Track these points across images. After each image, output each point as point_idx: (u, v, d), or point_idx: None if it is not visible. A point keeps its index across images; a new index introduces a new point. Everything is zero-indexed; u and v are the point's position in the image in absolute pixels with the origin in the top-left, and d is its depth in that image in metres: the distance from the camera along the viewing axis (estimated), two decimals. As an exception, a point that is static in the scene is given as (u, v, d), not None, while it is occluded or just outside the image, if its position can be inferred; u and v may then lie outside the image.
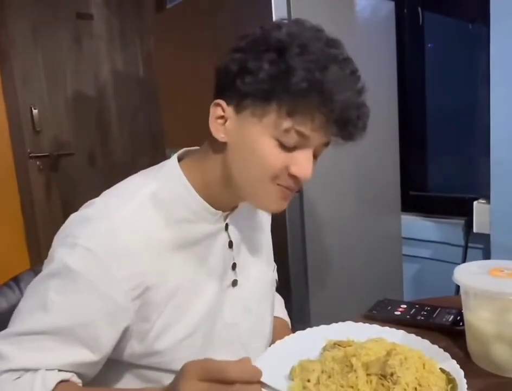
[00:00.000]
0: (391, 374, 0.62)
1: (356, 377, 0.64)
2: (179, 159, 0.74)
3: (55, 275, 0.64)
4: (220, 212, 0.74)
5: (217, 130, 0.68)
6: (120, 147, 2.53)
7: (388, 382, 0.62)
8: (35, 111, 2.28)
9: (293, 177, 0.67)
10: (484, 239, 1.64)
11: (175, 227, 0.70)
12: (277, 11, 1.34)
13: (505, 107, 1.48)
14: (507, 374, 0.71)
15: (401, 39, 1.86)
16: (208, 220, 0.73)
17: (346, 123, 0.64)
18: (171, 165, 0.73)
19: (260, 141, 0.65)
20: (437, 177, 2.02)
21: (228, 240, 0.77)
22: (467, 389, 0.61)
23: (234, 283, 0.78)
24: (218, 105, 0.68)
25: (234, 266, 0.78)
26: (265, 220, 0.91)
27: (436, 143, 1.99)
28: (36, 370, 0.62)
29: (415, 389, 0.61)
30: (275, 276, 0.97)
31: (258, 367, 0.54)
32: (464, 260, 1.73)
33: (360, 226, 1.66)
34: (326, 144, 0.69)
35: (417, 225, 1.91)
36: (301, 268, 1.46)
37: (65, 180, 2.39)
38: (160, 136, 2.28)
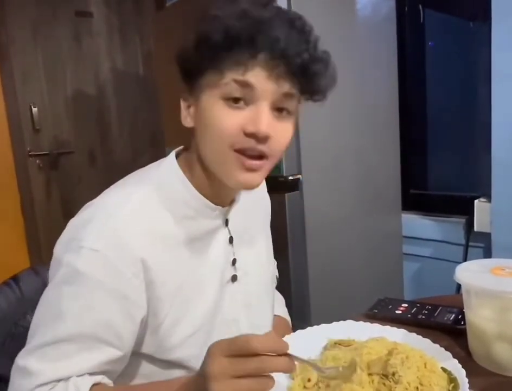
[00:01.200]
0: (393, 374, 0.62)
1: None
2: (177, 156, 0.75)
3: (65, 281, 0.64)
4: (219, 207, 0.74)
5: (185, 119, 0.70)
6: (119, 146, 2.52)
7: (390, 381, 0.62)
8: (35, 110, 2.27)
9: (251, 136, 0.64)
10: (485, 238, 1.64)
11: (176, 223, 0.70)
12: (278, 9, 1.33)
13: (506, 106, 1.48)
14: (508, 374, 0.70)
15: (402, 37, 1.85)
16: (208, 216, 0.74)
17: (286, 63, 0.62)
18: (169, 163, 0.73)
19: (210, 108, 0.65)
20: (438, 176, 2.02)
21: (229, 236, 0.78)
22: (469, 388, 0.61)
23: (234, 278, 0.78)
24: (184, 97, 0.70)
25: (234, 261, 0.78)
26: (264, 217, 0.91)
27: (437, 142, 1.98)
28: (67, 378, 0.62)
29: (417, 388, 0.61)
30: (276, 272, 0.97)
31: (284, 340, 0.53)
32: (465, 259, 1.72)
33: (360, 224, 1.66)
34: (288, 96, 0.65)
35: (417, 224, 1.90)
36: (301, 267, 1.46)
37: (65, 178, 2.39)
38: (160, 134, 2.27)
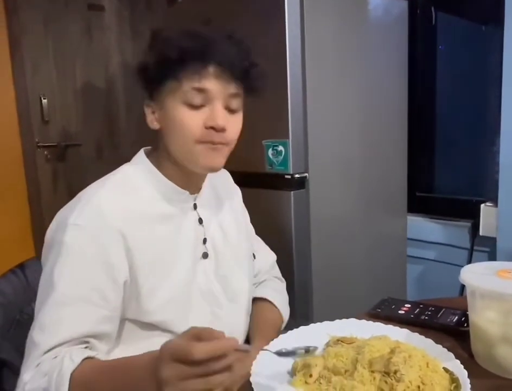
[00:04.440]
0: (395, 372, 0.62)
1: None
2: (147, 155, 0.88)
3: (56, 256, 0.74)
4: (187, 192, 0.86)
5: (152, 123, 0.84)
6: (127, 140, 2.52)
7: (392, 379, 0.62)
8: (44, 101, 2.28)
9: (211, 129, 0.78)
10: (490, 242, 1.63)
11: (148, 203, 0.82)
12: (291, 9, 1.34)
13: (516, 110, 1.47)
14: (511, 376, 0.70)
15: (413, 39, 1.84)
16: (177, 199, 0.85)
17: (233, 71, 0.78)
18: (137, 157, 0.88)
19: (174, 111, 0.79)
20: (444, 179, 2.01)
21: (198, 217, 0.89)
22: (470, 389, 0.61)
23: (204, 255, 0.89)
24: (147, 105, 0.84)
25: (204, 240, 0.89)
26: (234, 204, 1.01)
27: (445, 145, 1.98)
28: (65, 343, 0.70)
29: (418, 387, 0.61)
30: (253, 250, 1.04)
31: (228, 340, 0.54)
32: (469, 263, 1.72)
33: (365, 225, 1.66)
34: (234, 95, 0.80)
35: (422, 226, 1.90)
36: (305, 266, 1.46)
37: (72, 170, 2.39)
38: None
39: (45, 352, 0.69)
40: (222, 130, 0.79)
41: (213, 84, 0.77)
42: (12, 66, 2.24)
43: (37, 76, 2.28)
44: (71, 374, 0.65)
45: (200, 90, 0.77)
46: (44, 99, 2.27)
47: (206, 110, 0.79)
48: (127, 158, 0.91)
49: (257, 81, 0.82)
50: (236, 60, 0.78)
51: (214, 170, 0.84)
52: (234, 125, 0.82)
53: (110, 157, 2.49)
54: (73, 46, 2.37)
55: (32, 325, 0.72)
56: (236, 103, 0.81)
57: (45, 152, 2.32)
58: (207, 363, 0.52)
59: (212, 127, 0.78)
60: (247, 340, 0.92)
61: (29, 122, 2.28)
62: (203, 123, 0.78)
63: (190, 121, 0.78)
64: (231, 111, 0.81)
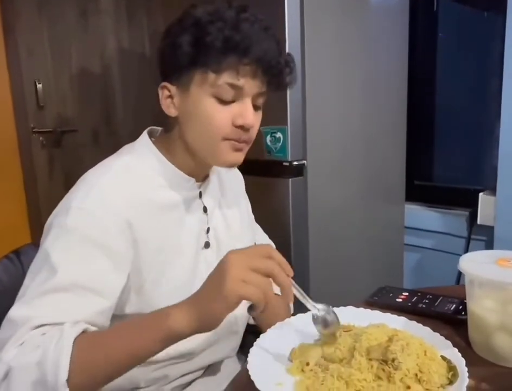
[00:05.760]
0: (393, 360, 0.62)
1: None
2: (151, 135, 0.85)
3: (55, 238, 0.70)
4: (193, 179, 0.83)
5: (168, 108, 0.79)
6: (124, 126, 2.50)
7: (389, 367, 0.62)
8: (39, 86, 2.25)
9: (239, 127, 0.76)
10: (488, 231, 1.64)
11: (153, 191, 0.79)
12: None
13: (516, 99, 1.46)
14: (508, 364, 0.70)
15: (414, 26, 1.82)
16: (183, 186, 0.82)
17: (269, 70, 0.74)
18: (141, 140, 0.84)
19: (201, 103, 0.75)
20: (443, 168, 2.01)
21: (203, 205, 0.86)
22: (468, 377, 0.61)
23: (206, 245, 0.87)
24: (164, 87, 0.78)
25: (207, 230, 0.87)
26: (237, 192, 0.99)
27: (444, 133, 1.97)
28: (61, 323, 0.64)
29: (416, 375, 0.61)
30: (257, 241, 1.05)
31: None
32: (466, 252, 1.72)
33: (363, 213, 1.65)
34: (262, 94, 0.77)
35: (420, 215, 1.90)
36: (303, 254, 1.46)
37: (67, 156, 2.37)
38: (165, 117, 2.25)
39: (34, 328, 0.63)
40: (251, 128, 0.77)
41: (249, 83, 0.74)
42: (6, 51, 2.20)
43: (32, 61, 2.24)
44: (74, 340, 0.61)
45: (235, 87, 0.73)
46: (39, 84, 2.24)
47: (235, 106, 0.75)
48: (123, 144, 0.88)
49: (288, 80, 0.79)
50: (273, 60, 0.74)
51: (235, 166, 0.83)
52: (257, 122, 0.79)
53: (107, 143, 2.46)
54: (68, 30, 2.33)
55: (15, 304, 0.67)
56: (262, 100, 0.79)
57: (41, 138, 2.29)
58: (274, 262, 0.61)
59: (241, 126, 0.75)
60: (245, 332, 0.91)
61: (24, 107, 2.25)
62: (231, 120, 0.75)
63: (218, 117, 0.75)
64: (255, 107, 0.78)
